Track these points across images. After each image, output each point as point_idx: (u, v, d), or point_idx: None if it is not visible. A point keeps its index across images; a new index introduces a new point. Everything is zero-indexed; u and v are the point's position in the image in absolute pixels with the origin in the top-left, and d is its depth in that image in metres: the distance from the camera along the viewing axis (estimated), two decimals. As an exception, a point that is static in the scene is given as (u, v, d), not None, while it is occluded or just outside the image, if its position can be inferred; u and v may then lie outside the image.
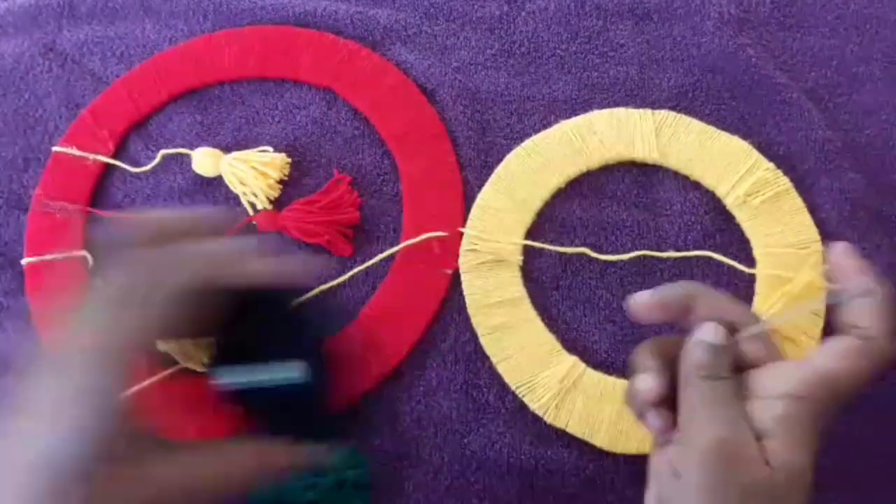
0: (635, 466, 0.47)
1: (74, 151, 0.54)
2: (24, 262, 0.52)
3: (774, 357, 0.36)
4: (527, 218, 0.51)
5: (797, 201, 0.51)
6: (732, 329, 0.36)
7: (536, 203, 0.52)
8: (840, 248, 0.38)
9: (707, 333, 0.36)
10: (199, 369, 0.49)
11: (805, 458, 0.33)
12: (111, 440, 0.28)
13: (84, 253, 0.52)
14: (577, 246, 0.51)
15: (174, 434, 0.47)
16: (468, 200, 0.52)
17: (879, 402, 0.46)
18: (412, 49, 0.57)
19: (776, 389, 0.34)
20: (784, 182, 0.51)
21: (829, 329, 0.48)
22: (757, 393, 0.35)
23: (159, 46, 0.57)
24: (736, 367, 0.36)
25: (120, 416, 0.28)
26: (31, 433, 0.28)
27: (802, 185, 0.51)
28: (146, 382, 0.48)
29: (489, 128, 0.54)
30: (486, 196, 0.52)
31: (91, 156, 0.54)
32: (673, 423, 0.36)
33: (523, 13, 0.57)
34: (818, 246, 0.50)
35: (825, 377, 0.34)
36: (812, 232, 0.50)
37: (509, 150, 0.53)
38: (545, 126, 0.54)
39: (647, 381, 0.36)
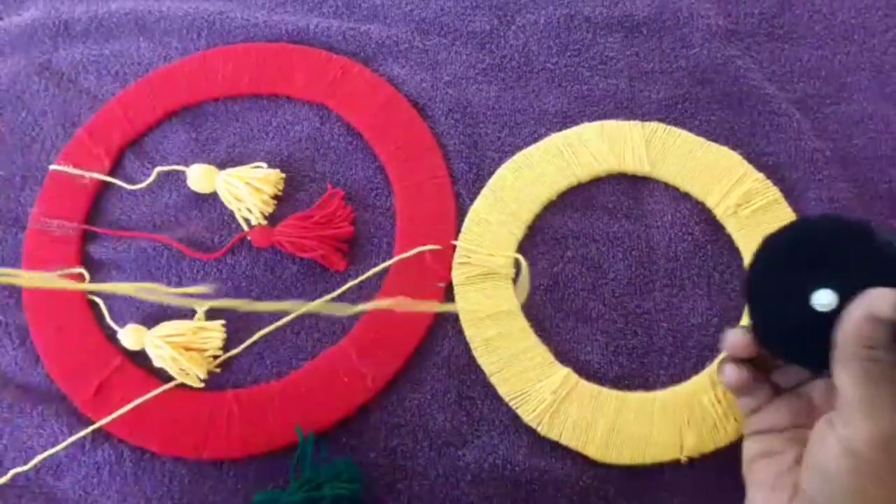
0: (629, 477, 0.47)
1: (71, 170, 0.55)
2: (21, 279, 0.52)
3: None
4: (519, 231, 0.52)
5: (787, 211, 0.51)
6: None
7: (528, 216, 0.52)
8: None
9: (881, 306, 0.33)
10: (196, 385, 0.49)
11: None
12: None
13: (81, 270, 0.52)
14: (569, 258, 0.51)
15: (171, 448, 0.48)
16: (461, 214, 0.53)
17: None
18: (404, 64, 0.57)
19: None
20: (774, 192, 0.52)
21: None
22: None
23: (154, 64, 0.58)
24: None
25: None
26: None
27: (792, 195, 0.52)
28: (145, 397, 0.49)
29: (481, 141, 0.55)
30: (479, 209, 0.52)
31: (87, 174, 0.55)
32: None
33: (513, 27, 0.58)
34: (808, 255, 0.50)
35: None
36: (802, 241, 0.51)
37: (501, 163, 0.54)
38: (536, 139, 0.54)
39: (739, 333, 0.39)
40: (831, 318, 0.35)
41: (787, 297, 0.37)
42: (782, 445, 0.38)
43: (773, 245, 0.38)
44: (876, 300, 0.34)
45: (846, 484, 0.33)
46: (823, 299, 0.36)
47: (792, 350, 0.38)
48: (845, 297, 0.35)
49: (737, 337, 0.39)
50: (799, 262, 0.37)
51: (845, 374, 0.34)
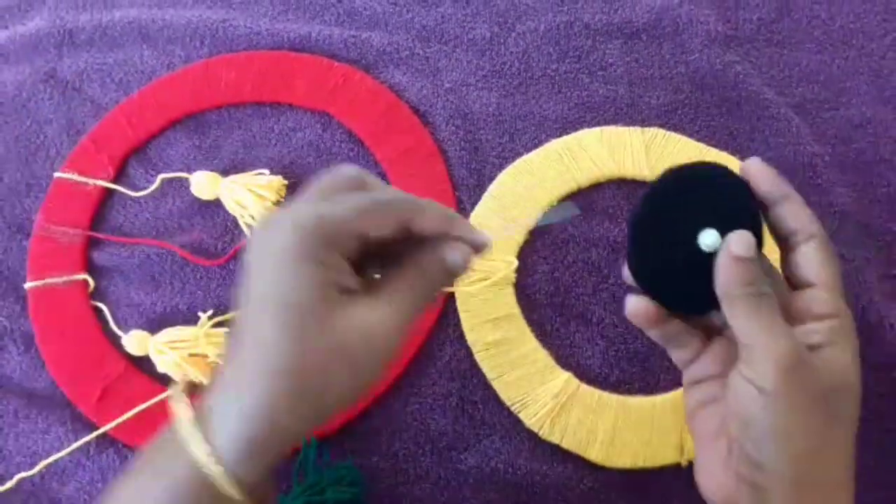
0: (630, 481, 0.47)
1: (75, 177, 0.55)
2: (26, 285, 0.53)
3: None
4: (519, 236, 0.52)
5: (786, 215, 0.52)
6: None
7: (529, 221, 0.52)
8: (755, 162, 0.37)
9: (741, 247, 0.34)
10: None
11: (857, 367, 0.34)
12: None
13: (85, 276, 0.53)
14: (570, 263, 0.52)
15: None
16: (462, 219, 0.53)
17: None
18: (405, 71, 0.58)
19: (817, 310, 0.35)
20: (773, 197, 0.52)
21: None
22: (798, 317, 0.35)
23: (157, 73, 0.59)
24: None
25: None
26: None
27: (791, 200, 0.52)
28: (149, 402, 0.49)
29: (481, 147, 0.55)
30: (479, 214, 0.53)
31: (91, 181, 0.55)
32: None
33: (513, 34, 0.58)
34: (807, 259, 0.50)
35: (833, 288, 0.35)
36: (801, 246, 0.51)
37: (501, 169, 0.54)
38: (536, 145, 0.55)
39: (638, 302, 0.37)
40: (710, 260, 0.36)
41: (674, 240, 0.36)
42: (721, 391, 0.38)
43: (659, 191, 0.37)
44: (735, 244, 0.35)
45: (766, 425, 0.33)
46: (708, 239, 0.35)
47: (678, 294, 0.37)
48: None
49: (639, 305, 0.37)
50: (685, 206, 0.36)
51: (735, 315, 0.34)
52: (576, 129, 0.55)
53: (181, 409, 0.31)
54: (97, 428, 0.49)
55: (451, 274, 0.35)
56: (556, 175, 0.53)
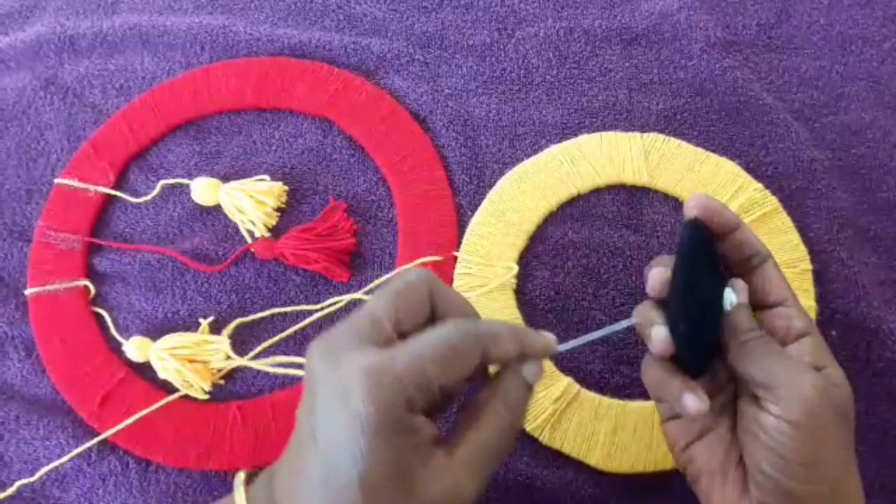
0: (631, 486, 0.47)
1: (76, 183, 0.55)
2: (27, 292, 0.53)
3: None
4: (520, 241, 0.52)
5: (786, 220, 0.52)
6: None
7: (529, 226, 0.52)
8: (704, 197, 0.37)
9: (745, 294, 0.36)
10: (201, 397, 0.50)
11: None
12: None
13: (86, 283, 0.53)
14: (570, 268, 0.52)
15: (176, 459, 0.48)
16: (462, 225, 0.53)
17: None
18: (405, 77, 0.58)
19: (790, 334, 0.37)
20: (772, 202, 0.52)
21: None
22: (779, 335, 0.37)
23: (158, 79, 0.59)
24: None
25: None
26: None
27: (791, 205, 0.52)
28: (150, 409, 0.49)
29: (481, 153, 0.55)
30: (480, 220, 0.53)
31: (92, 187, 0.55)
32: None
33: (513, 40, 0.59)
34: (807, 264, 0.51)
35: (795, 299, 0.38)
36: (801, 250, 0.51)
37: (501, 174, 0.54)
38: (536, 150, 0.55)
39: (662, 332, 0.36)
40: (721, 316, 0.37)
41: (704, 303, 0.36)
42: (712, 420, 0.39)
43: (688, 255, 0.36)
44: (743, 292, 0.36)
45: (804, 455, 0.33)
46: (731, 297, 0.37)
47: (703, 354, 0.38)
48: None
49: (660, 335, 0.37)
50: (703, 269, 0.37)
51: (753, 360, 0.35)
52: (575, 135, 0.55)
53: None
54: (98, 434, 0.49)
55: (531, 388, 0.36)
56: (555, 180, 0.53)
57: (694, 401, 0.35)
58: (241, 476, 0.36)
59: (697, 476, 0.38)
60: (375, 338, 0.33)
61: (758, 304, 0.38)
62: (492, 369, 0.37)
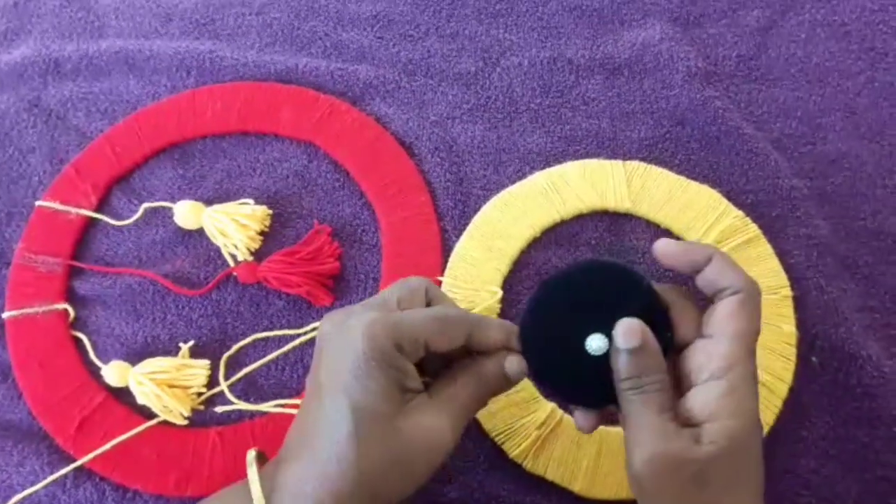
0: (614, 513, 0.47)
1: (57, 206, 0.55)
2: (4, 315, 0.52)
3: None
4: (504, 267, 0.52)
5: (766, 248, 0.52)
6: None
7: (513, 252, 0.53)
8: (663, 244, 0.40)
9: (622, 339, 0.36)
10: (179, 422, 0.49)
11: (748, 417, 0.36)
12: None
13: (66, 306, 0.52)
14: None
15: (154, 486, 0.47)
16: (446, 250, 0.53)
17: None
18: (391, 104, 0.58)
19: (703, 374, 0.36)
20: (753, 229, 0.53)
21: (799, 371, 0.49)
22: (692, 381, 0.37)
23: (143, 102, 0.59)
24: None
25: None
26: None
27: (771, 232, 0.53)
28: (128, 434, 0.48)
29: (466, 179, 0.56)
30: (464, 246, 0.53)
31: (74, 210, 0.55)
32: None
33: (498, 69, 0.59)
34: (787, 291, 0.51)
35: (735, 339, 0.36)
36: (781, 277, 0.51)
37: (486, 200, 0.54)
38: (520, 177, 0.55)
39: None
40: (603, 360, 0.38)
41: (563, 343, 0.38)
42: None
43: (548, 291, 0.39)
44: (621, 337, 0.37)
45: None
46: (594, 344, 0.37)
47: (573, 392, 0.40)
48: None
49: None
50: (572, 308, 0.38)
51: (622, 405, 0.37)
52: (559, 162, 0.55)
53: (254, 487, 0.35)
54: (74, 460, 0.48)
55: (510, 382, 0.39)
56: (539, 207, 0.54)
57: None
58: (252, 454, 0.38)
59: None
60: (381, 309, 0.38)
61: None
62: None
